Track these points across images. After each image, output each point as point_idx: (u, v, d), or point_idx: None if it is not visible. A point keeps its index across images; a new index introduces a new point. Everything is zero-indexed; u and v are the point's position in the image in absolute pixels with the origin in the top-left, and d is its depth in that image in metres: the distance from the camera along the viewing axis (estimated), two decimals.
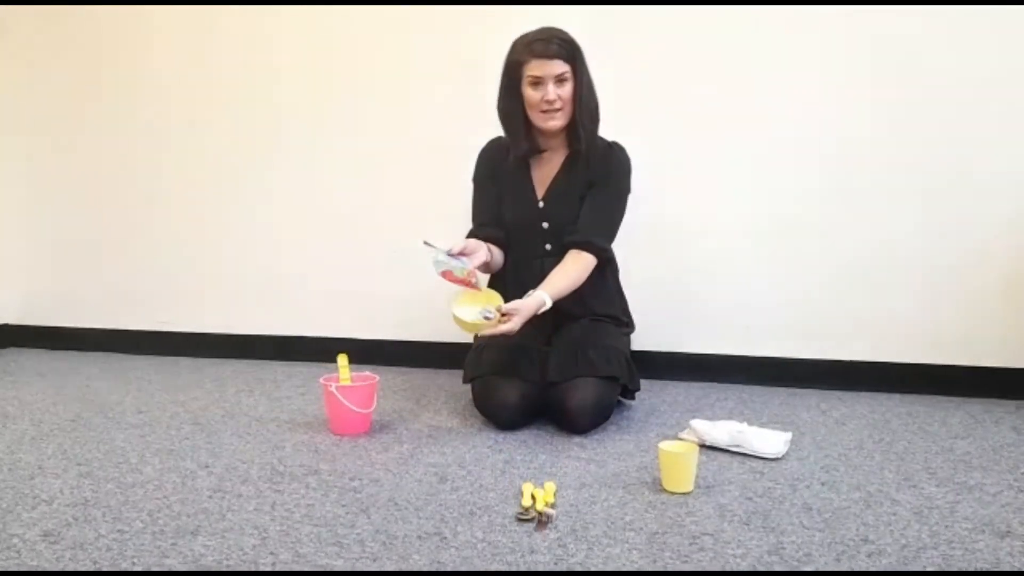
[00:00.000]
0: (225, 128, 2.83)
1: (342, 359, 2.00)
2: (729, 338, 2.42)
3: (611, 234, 2.07)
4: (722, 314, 2.42)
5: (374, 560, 1.27)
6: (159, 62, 2.87)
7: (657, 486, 1.56)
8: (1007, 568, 1.22)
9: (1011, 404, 2.14)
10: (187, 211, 2.92)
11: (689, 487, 1.53)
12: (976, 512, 1.43)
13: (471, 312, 1.84)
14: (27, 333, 3.17)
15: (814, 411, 2.10)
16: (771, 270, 2.36)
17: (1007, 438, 1.86)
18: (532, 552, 1.29)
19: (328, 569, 1.24)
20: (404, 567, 1.24)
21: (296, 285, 2.82)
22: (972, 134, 2.17)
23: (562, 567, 1.24)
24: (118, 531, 1.39)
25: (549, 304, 1.90)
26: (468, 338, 2.15)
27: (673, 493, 1.52)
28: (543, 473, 1.64)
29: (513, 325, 1.82)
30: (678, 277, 2.44)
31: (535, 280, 1.95)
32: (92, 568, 1.25)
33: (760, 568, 1.23)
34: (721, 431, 1.77)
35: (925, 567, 1.23)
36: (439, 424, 2.02)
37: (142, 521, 1.43)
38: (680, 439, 1.82)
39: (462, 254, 1.89)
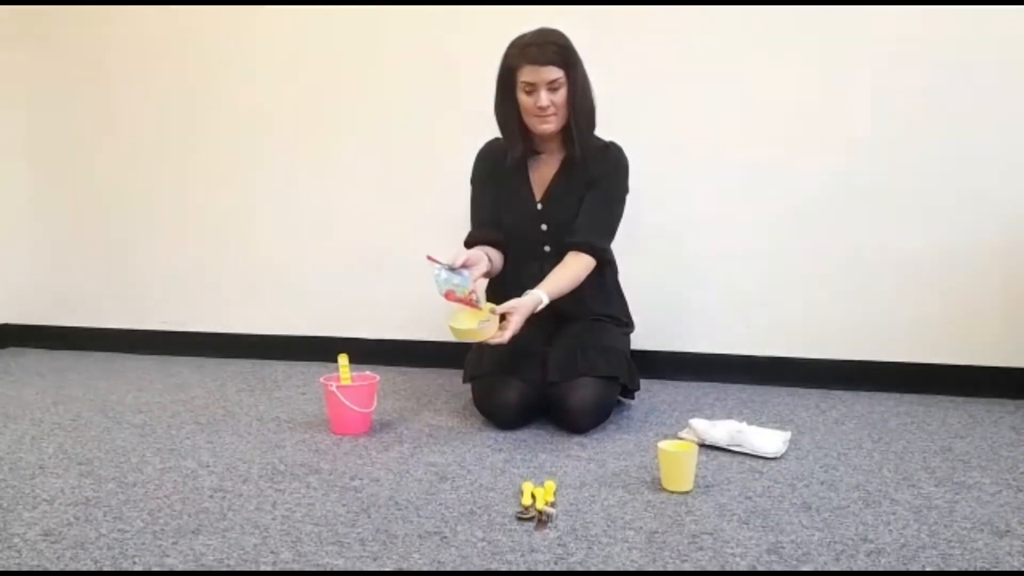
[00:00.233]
0: (226, 128, 2.83)
1: (342, 359, 2.00)
2: (729, 338, 2.42)
3: (610, 235, 2.07)
4: (722, 314, 2.42)
5: (374, 559, 1.27)
6: (159, 62, 2.87)
7: (657, 485, 1.56)
8: (1006, 567, 1.23)
9: (1010, 404, 2.14)
10: (188, 211, 2.92)
11: (688, 486, 1.54)
12: (975, 511, 1.43)
13: (468, 321, 1.83)
14: (27, 333, 3.17)
15: (813, 410, 2.10)
16: (771, 270, 2.37)
17: (1006, 438, 1.86)
18: (532, 551, 1.29)
19: (328, 568, 1.24)
20: (404, 566, 1.25)
21: (296, 285, 2.83)
22: (971, 134, 2.17)
23: (562, 566, 1.24)
24: (119, 530, 1.39)
25: (546, 301, 1.90)
26: None
27: (673, 492, 1.53)
28: (543, 472, 1.65)
29: (513, 326, 1.82)
30: (678, 277, 2.44)
31: (534, 282, 1.94)
32: (93, 567, 1.26)
33: (759, 567, 1.23)
34: (720, 430, 1.77)
35: (924, 566, 1.23)
36: (439, 424, 2.02)
37: (143, 520, 1.43)
38: (679, 438, 1.82)
39: (464, 266, 1.88)
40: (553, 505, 1.46)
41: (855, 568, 1.22)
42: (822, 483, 1.57)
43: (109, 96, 2.95)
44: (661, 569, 1.23)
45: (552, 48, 1.90)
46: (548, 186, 2.07)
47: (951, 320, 2.24)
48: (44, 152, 3.07)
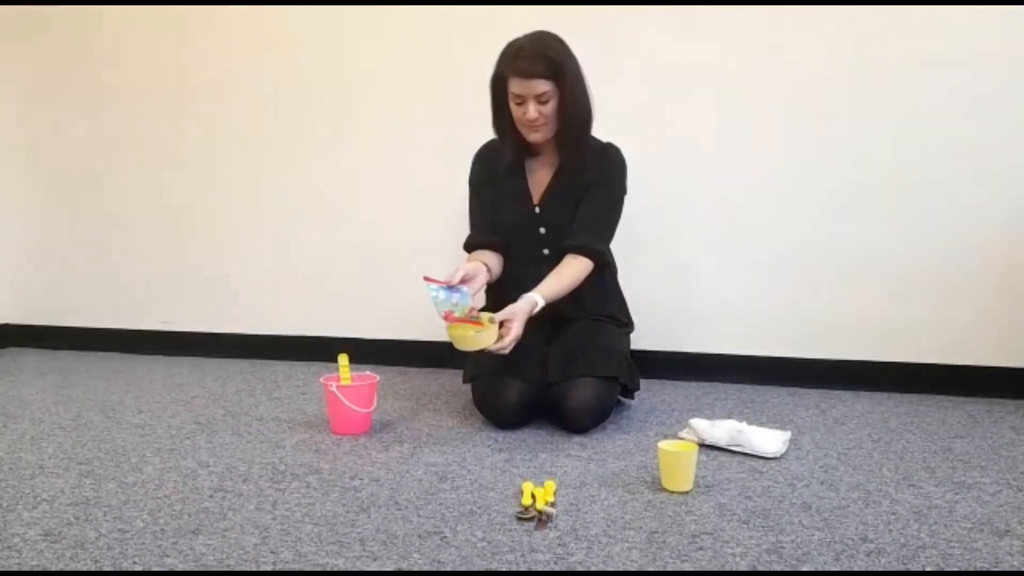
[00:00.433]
0: (225, 128, 2.84)
1: (343, 359, 2.00)
2: (729, 338, 2.42)
3: (607, 238, 2.06)
4: (722, 314, 2.42)
5: (374, 559, 1.27)
6: (159, 62, 2.87)
7: (656, 485, 1.56)
8: (1006, 567, 1.23)
9: (1010, 404, 2.14)
10: (188, 211, 2.92)
11: (688, 486, 1.54)
12: (975, 511, 1.43)
13: (468, 329, 1.81)
14: (27, 333, 3.17)
15: (813, 410, 2.10)
16: (771, 269, 2.37)
17: (1006, 437, 1.86)
18: (532, 551, 1.29)
19: (329, 568, 1.24)
20: (404, 566, 1.25)
21: (296, 285, 2.83)
22: (971, 133, 2.17)
23: (562, 566, 1.24)
24: (119, 530, 1.39)
25: (542, 303, 1.89)
26: None
27: (672, 492, 1.53)
28: (543, 472, 1.65)
29: (514, 333, 1.81)
30: (678, 277, 2.44)
31: (534, 285, 1.94)
32: (93, 567, 1.26)
33: (759, 567, 1.23)
34: (720, 430, 1.77)
35: (924, 566, 1.23)
36: (439, 424, 2.02)
37: (143, 520, 1.43)
38: (679, 438, 1.82)
39: (462, 282, 1.86)
40: (553, 505, 1.46)
41: (855, 568, 1.22)
42: (822, 483, 1.57)
43: (109, 96, 2.94)
44: (661, 569, 1.23)
45: (542, 61, 1.86)
46: (546, 189, 2.07)
47: (951, 320, 2.24)
48: (44, 152, 3.07)
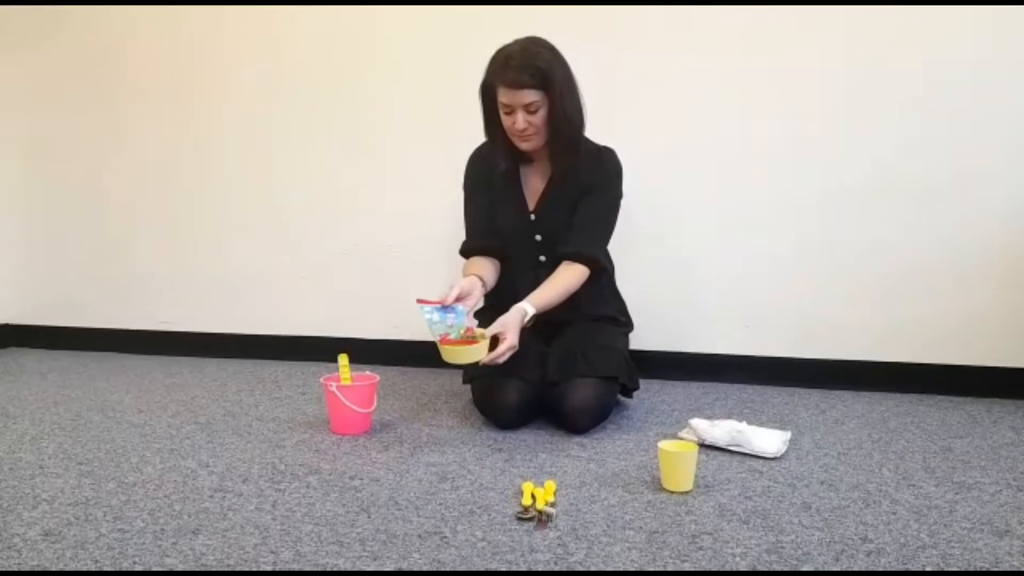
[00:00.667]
0: (225, 127, 2.84)
1: (343, 359, 2.00)
2: (729, 338, 2.42)
3: (604, 243, 2.06)
4: (722, 314, 2.42)
5: (374, 559, 1.27)
6: (158, 63, 2.87)
7: (656, 485, 1.56)
8: (1006, 567, 1.23)
9: (1010, 404, 2.14)
10: (188, 211, 2.92)
11: (688, 486, 1.54)
12: (975, 511, 1.43)
13: (459, 343, 1.80)
14: (27, 333, 3.17)
15: (813, 410, 2.10)
16: (771, 269, 2.37)
17: (1006, 437, 1.86)
18: (532, 551, 1.29)
19: (329, 568, 1.24)
20: (404, 566, 1.25)
21: (296, 285, 2.82)
22: (969, 133, 2.17)
23: (562, 566, 1.24)
24: (119, 530, 1.39)
25: (531, 312, 1.88)
26: None
27: (672, 492, 1.53)
28: (543, 472, 1.65)
29: (508, 344, 1.80)
30: (678, 277, 2.44)
31: (530, 292, 1.93)
32: (93, 567, 1.26)
33: (759, 567, 1.23)
34: (720, 430, 1.77)
35: (924, 566, 1.23)
36: (439, 424, 2.02)
37: (143, 520, 1.43)
38: (679, 438, 1.82)
39: (458, 300, 1.83)
40: (553, 505, 1.46)
41: (855, 568, 1.22)
42: (822, 483, 1.57)
43: (110, 97, 2.94)
44: (661, 569, 1.23)
45: (529, 71, 1.83)
46: (540, 196, 2.06)
47: (951, 320, 2.25)
48: (43, 152, 3.07)
